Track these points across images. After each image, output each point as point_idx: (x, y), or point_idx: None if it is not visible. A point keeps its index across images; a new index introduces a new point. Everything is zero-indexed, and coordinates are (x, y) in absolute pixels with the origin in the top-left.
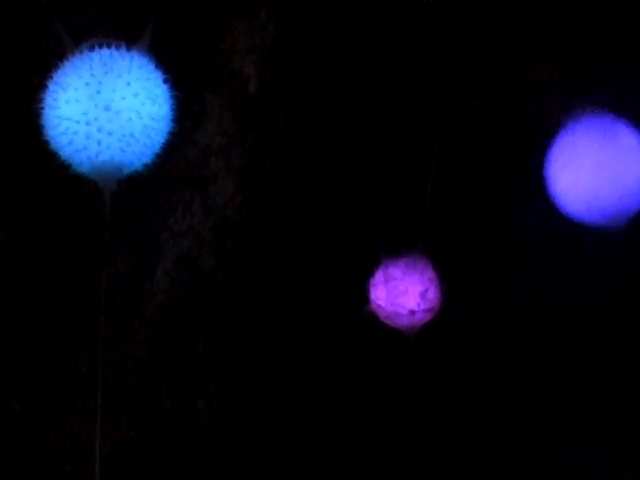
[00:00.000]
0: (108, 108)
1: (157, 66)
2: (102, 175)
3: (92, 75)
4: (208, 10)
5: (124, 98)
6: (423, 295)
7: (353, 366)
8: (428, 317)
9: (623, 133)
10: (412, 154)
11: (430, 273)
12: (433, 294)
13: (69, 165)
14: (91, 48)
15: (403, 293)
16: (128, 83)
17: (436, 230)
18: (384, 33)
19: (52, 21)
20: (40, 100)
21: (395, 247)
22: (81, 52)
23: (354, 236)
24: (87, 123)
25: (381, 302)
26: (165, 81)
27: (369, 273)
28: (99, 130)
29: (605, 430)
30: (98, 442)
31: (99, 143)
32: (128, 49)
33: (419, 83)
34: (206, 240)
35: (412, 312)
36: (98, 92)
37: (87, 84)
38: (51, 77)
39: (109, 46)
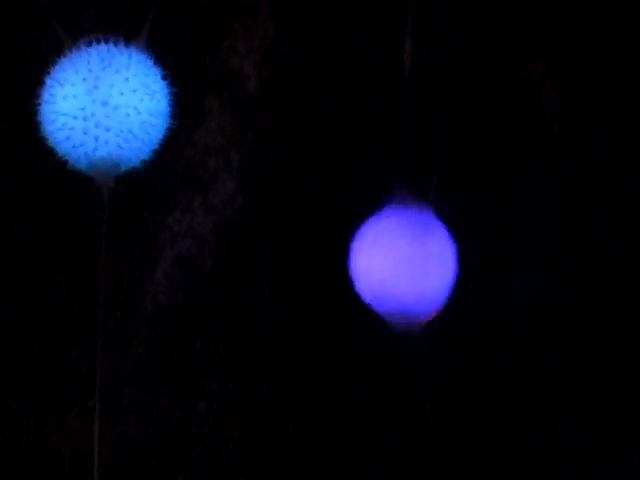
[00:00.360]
0: (106, 104)
1: (155, 61)
2: (99, 171)
3: (90, 71)
4: (207, 9)
5: (122, 94)
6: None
7: (354, 366)
8: (428, 318)
9: (436, 231)
10: (413, 154)
11: None
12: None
13: (66, 161)
14: (89, 44)
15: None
16: (126, 79)
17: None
18: (384, 33)
19: (50, 17)
20: (37, 96)
21: None
22: (79, 48)
23: (355, 235)
24: (84, 119)
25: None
26: (164, 77)
27: None
28: (96, 126)
29: (606, 429)
30: (97, 442)
31: (96, 139)
32: (126, 45)
33: (420, 82)
34: (206, 240)
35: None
36: (96, 87)
37: (84, 79)
38: (48, 73)
39: (107, 41)
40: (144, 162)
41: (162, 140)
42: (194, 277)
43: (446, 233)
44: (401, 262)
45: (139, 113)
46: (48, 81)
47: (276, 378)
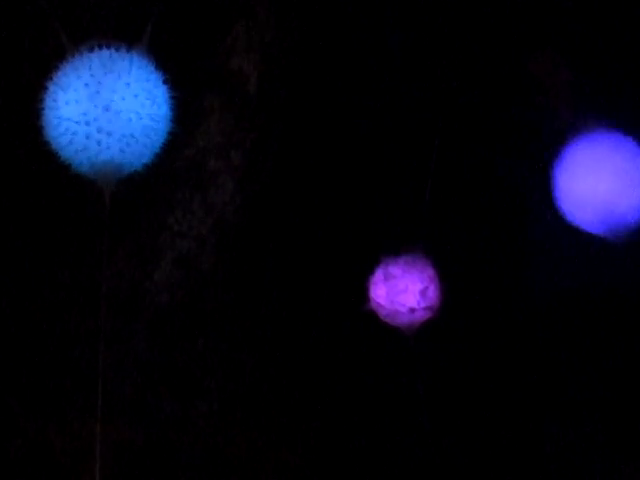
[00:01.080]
0: (108, 109)
1: (156, 66)
2: (102, 175)
3: (92, 76)
4: (207, 10)
5: (124, 99)
6: (423, 293)
7: (353, 365)
8: (428, 315)
9: (631, 151)
10: (412, 153)
11: (430, 271)
12: (433, 292)
13: (69, 165)
14: (90, 49)
15: (403, 291)
16: (128, 84)
17: (436, 229)
18: (385, 32)
19: (51, 22)
20: (40, 100)
21: (395, 246)
22: (80, 53)
23: (354, 235)
24: (87, 123)
25: (381, 300)
26: (164, 81)
27: (369, 272)
28: (99, 130)
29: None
30: (98, 442)
31: (99, 143)
32: (127, 50)
33: (421, 82)
34: (206, 240)
35: (412, 310)
36: (98, 93)
37: (87, 85)
38: (51, 78)
39: (108, 47)
40: (145, 165)
41: (163, 143)
42: (194, 276)
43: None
44: (607, 181)
45: (141, 118)
46: (50, 86)
47: (276, 377)
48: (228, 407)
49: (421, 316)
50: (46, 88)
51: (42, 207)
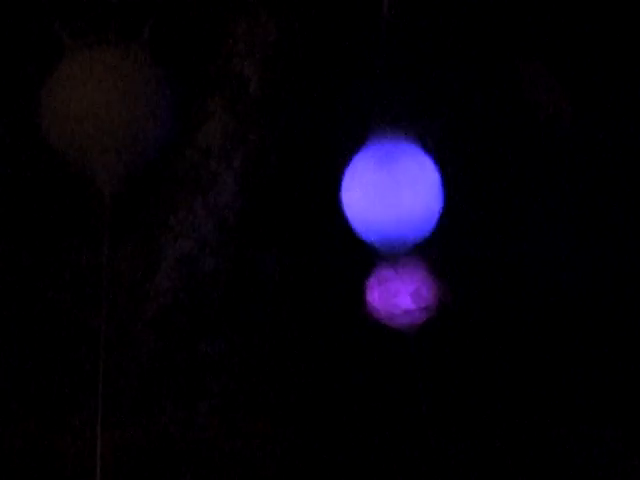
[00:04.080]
0: (108, 107)
1: (157, 65)
2: (103, 176)
3: (92, 74)
4: (208, 12)
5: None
6: (416, 294)
7: (356, 366)
8: (425, 316)
9: (411, 158)
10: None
11: (423, 272)
12: (427, 293)
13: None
14: (90, 46)
15: (396, 294)
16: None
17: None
18: (385, 33)
19: (51, 17)
20: (39, 98)
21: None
22: (80, 50)
23: (351, 238)
24: (87, 123)
25: (376, 304)
26: (165, 80)
27: (366, 275)
28: (99, 130)
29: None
30: (100, 444)
31: (99, 143)
32: (128, 48)
33: (421, 82)
34: (207, 241)
35: (406, 312)
36: (97, 91)
37: (86, 83)
38: (50, 75)
39: (108, 44)
40: (146, 165)
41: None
42: (196, 277)
43: (429, 162)
44: (381, 191)
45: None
46: (50, 84)
47: (278, 379)
48: (230, 408)
49: (418, 317)
50: (46, 85)
51: (43, 208)
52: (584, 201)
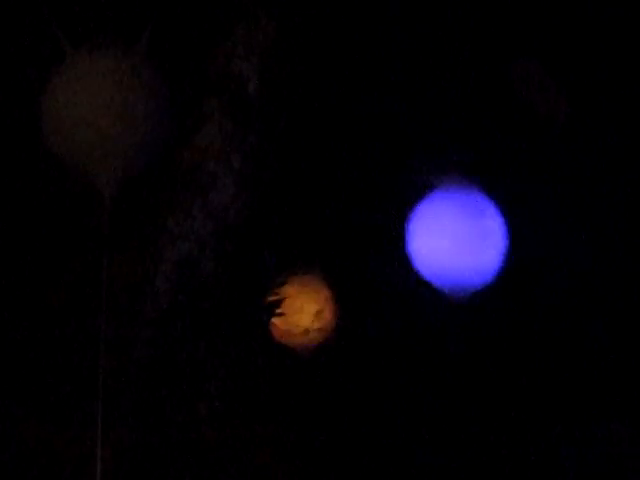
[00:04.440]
0: (107, 111)
1: (156, 68)
2: (102, 179)
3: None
4: (207, 13)
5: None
6: (318, 314)
7: (356, 368)
8: (323, 338)
9: (484, 209)
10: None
11: (326, 292)
12: (329, 314)
13: (69, 168)
14: (90, 51)
15: (297, 311)
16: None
17: (332, 249)
18: (385, 35)
19: (50, 23)
20: (39, 103)
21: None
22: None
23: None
24: (86, 126)
25: (276, 321)
26: (164, 83)
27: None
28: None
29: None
30: (99, 446)
31: (98, 146)
32: (127, 51)
33: (421, 86)
34: (206, 243)
35: (306, 331)
36: (97, 95)
37: (86, 87)
38: (50, 80)
39: (108, 48)
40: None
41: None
42: (195, 280)
43: (495, 212)
44: (454, 240)
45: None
46: (50, 89)
47: (278, 381)
48: (230, 411)
49: (315, 337)
50: (46, 90)
51: (42, 210)
52: (584, 205)
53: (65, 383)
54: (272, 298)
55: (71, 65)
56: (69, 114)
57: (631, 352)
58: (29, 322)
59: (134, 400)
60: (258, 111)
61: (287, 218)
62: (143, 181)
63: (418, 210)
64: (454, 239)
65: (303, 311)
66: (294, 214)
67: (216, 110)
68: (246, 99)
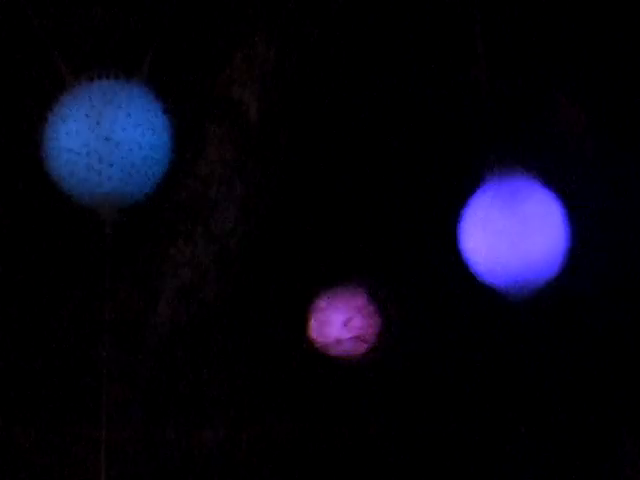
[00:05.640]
0: (109, 139)
1: (156, 96)
2: (103, 206)
3: (92, 106)
4: (207, 40)
5: (124, 129)
6: (346, 324)
7: (361, 393)
8: (361, 347)
9: (535, 197)
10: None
11: (358, 301)
12: (359, 323)
13: (70, 196)
14: (90, 79)
15: (328, 323)
16: (128, 114)
17: (372, 259)
18: (385, 60)
19: (51, 52)
20: (40, 132)
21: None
22: (80, 83)
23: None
24: (88, 154)
25: (313, 333)
26: (165, 111)
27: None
28: (100, 161)
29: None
30: (103, 473)
31: (100, 174)
32: (127, 79)
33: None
34: (208, 270)
35: (338, 341)
36: (98, 123)
37: (87, 115)
38: (51, 109)
39: (108, 76)
40: (147, 195)
41: (164, 172)
42: (197, 306)
43: (550, 198)
44: (507, 233)
45: (141, 148)
46: (51, 117)
47: (282, 405)
48: (234, 436)
49: (351, 347)
50: (46, 119)
51: (43, 237)
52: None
53: (68, 410)
54: (303, 313)
55: (72, 94)
56: (70, 142)
57: None
58: (32, 351)
59: (138, 427)
60: (259, 137)
61: (289, 243)
62: (144, 208)
63: (469, 206)
64: (509, 234)
65: (332, 322)
66: (296, 240)
67: (217, 136)
68: (247, 125)
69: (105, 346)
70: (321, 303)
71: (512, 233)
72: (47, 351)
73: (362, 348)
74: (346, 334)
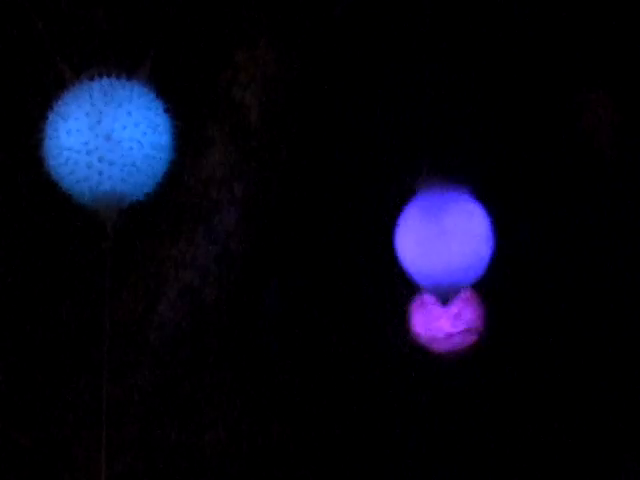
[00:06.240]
0: (109, 138)
1: (157, 96)
2: (103, 205)
3: (92, 105)
4: (208, 41)
5: (125, 127)
6: (457, 317)
7: (366, 396)
8: (470, 339)
9: (459, 208)
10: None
11: (465, 294)
12: (469, 315)
13: (70, 196)
14: (91, 78)
15: (438, 317)
16: (129, 112)
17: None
18: (388, 64)
19: (52, 52)
20: (40, 130)
21: None
22: (81, 82)
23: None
24: (88, 153)
25: (419, 328)
26: (166, 110)
27: (407, 300)
28: (100, 160)
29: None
30: (104, 475)
31: (100, 173)
32: (128, 78)
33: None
34: (210, 271)
35: (449, 335)
36: (99, 122)
37: (87, 114)
38: (51, 107)
39: (109, 76)
40: (147, 195)
41: (165, 173)
42: (198, 308)
43: (479, 210)
44: (432, 240)
45: (142, 147)
46: (51, 116)
47: (283, 408)
48: (234, 438)
49: (461, 340)
50: (47, 118)
51: (43, 239)
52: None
53: (68, 412)
54: (411, 308)
55: (72, 91)
56: (70, 141)
57: None
58: (33, 350)
59: (138, 429)
60: (260, 138)
61: (290, 244)
62: (146, 209)
63: (401, 216)
64: (433, 242)
65: (443, 316)
66: (298, 241)
67: (218, 138)
68: (248, 127)
69: (105, 346)
70: (428, 297)
71: (436, 241)
72: (47, 351)
73: (471, 340)
74: (458, 327)
